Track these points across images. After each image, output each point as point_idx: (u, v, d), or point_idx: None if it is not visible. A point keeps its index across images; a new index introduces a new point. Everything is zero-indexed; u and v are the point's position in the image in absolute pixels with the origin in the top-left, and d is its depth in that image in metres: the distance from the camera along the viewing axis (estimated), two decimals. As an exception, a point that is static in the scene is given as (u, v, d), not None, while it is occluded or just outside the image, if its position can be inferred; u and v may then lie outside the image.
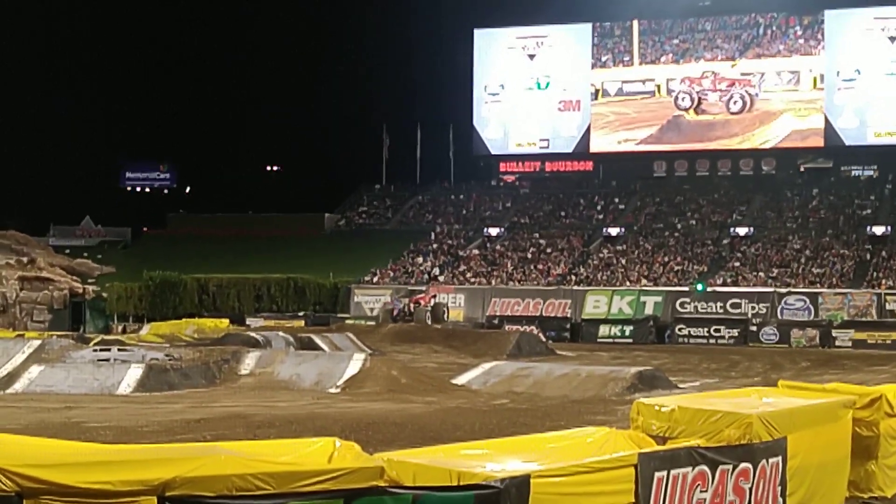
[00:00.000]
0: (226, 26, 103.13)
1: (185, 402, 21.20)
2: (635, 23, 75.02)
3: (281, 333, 37.06)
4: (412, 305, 50.45)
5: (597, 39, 76.23)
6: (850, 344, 50.57)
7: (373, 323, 51.15)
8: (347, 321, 53.29)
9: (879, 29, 69.68)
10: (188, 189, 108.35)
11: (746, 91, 71.80)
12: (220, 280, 63.49)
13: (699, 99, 72.73)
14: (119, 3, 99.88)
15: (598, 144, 75.83)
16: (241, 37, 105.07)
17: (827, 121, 70.63)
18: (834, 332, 51.64)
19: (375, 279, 64.26)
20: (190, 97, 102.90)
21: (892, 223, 62.43)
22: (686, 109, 73.00)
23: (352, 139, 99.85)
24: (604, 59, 76.03)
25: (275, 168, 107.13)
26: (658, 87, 74.14)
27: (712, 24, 73.99)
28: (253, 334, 36.98)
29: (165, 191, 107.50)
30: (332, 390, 23.97)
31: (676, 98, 73.27)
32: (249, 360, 26.27)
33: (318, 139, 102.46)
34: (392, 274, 64.99)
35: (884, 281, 56.07)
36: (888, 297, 53.91)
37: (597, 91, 75.77)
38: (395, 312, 49.87)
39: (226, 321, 50.77)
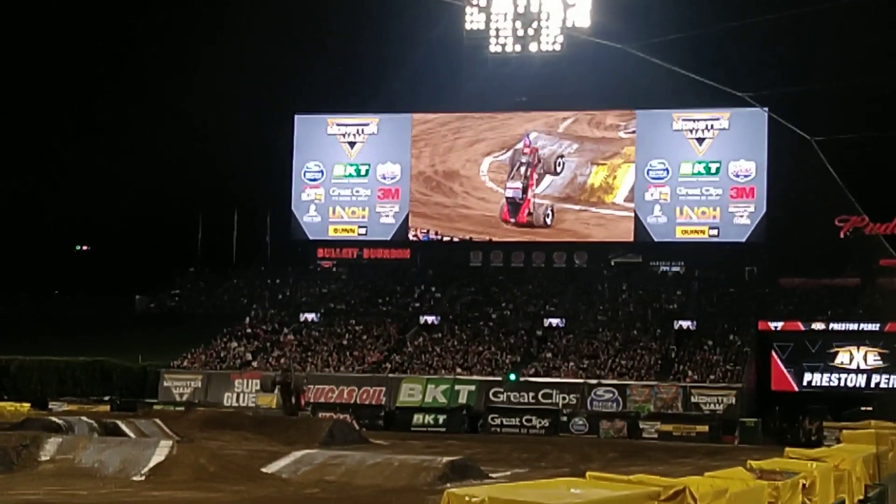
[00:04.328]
0: (34, 106, 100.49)
1: (-22, 489, 20.20)
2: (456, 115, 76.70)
3: (84, 418, 35.78)
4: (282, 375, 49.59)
5: (418, 130, 77.41)
6: (656, 435, 51.84)
7: (182, 409, 49.86)
8: (156, 406, 51.98)
9: (688, 129, 72.73)
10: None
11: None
12: (22, 362, 61.11)
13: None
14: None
15: (415, 233, 76.57)
16: (51, 114, 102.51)
17: (637, 217, 72.94)
18: (641, 424, 52.86)
19: (186, 363, 62.93)
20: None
21: (698, 318, 64.51)
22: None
23: (166, 220, 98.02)
24: (423, 148, 77.18)
25: (84, 248, 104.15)
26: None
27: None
28: (55, 419, 35.59)
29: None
30: (137, 478, 23.27)
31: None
32: (50, 446, 25.35)
33: (129, 219, 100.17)
34: (204, 358, 63.77)
35: (689, 374, 57.77)
36: (693, 391, 55.55)
37: (419, 179, 76.83)
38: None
39: (27, 405, 48.89)
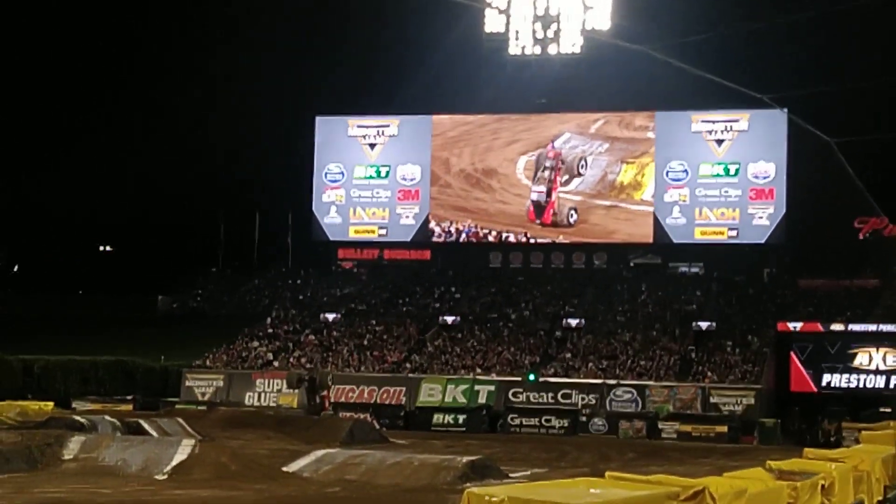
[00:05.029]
0: (59, 106, 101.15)
1: (5, 487, 20.47)
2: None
3: (107, 417, 36.02)
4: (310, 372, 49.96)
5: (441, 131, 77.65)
6: (675, 436, 51.91)
7: (204, 408, 50.15)
8: (178, 406, 52.24)
9: (707, 131, 72.70)
10: (16, 267, 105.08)
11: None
12: (47, 361, 61.47)
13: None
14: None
15: (436, 234, 76.78)
16: (75, 115, 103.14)
17: (656, 218, 72.95)
18: (660, 425, 52.92)
19: (208, 363, 63.27)
20: (19, 173, 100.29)
21: (717, 319, 64.48)
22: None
23: (188, 221, 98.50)
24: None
25: (107, 248, 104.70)
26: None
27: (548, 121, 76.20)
28: (78, 418, 35.84)
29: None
30: (160, 477, 23.51)
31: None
32: (73, 445, 25.60)
33: (153, 220, 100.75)
34: (225, 358, 64.08)
35: (708, 375, 57.79)
36: (712, 391, 55.61)
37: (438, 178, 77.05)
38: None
39: (50, 404, 49.23)
